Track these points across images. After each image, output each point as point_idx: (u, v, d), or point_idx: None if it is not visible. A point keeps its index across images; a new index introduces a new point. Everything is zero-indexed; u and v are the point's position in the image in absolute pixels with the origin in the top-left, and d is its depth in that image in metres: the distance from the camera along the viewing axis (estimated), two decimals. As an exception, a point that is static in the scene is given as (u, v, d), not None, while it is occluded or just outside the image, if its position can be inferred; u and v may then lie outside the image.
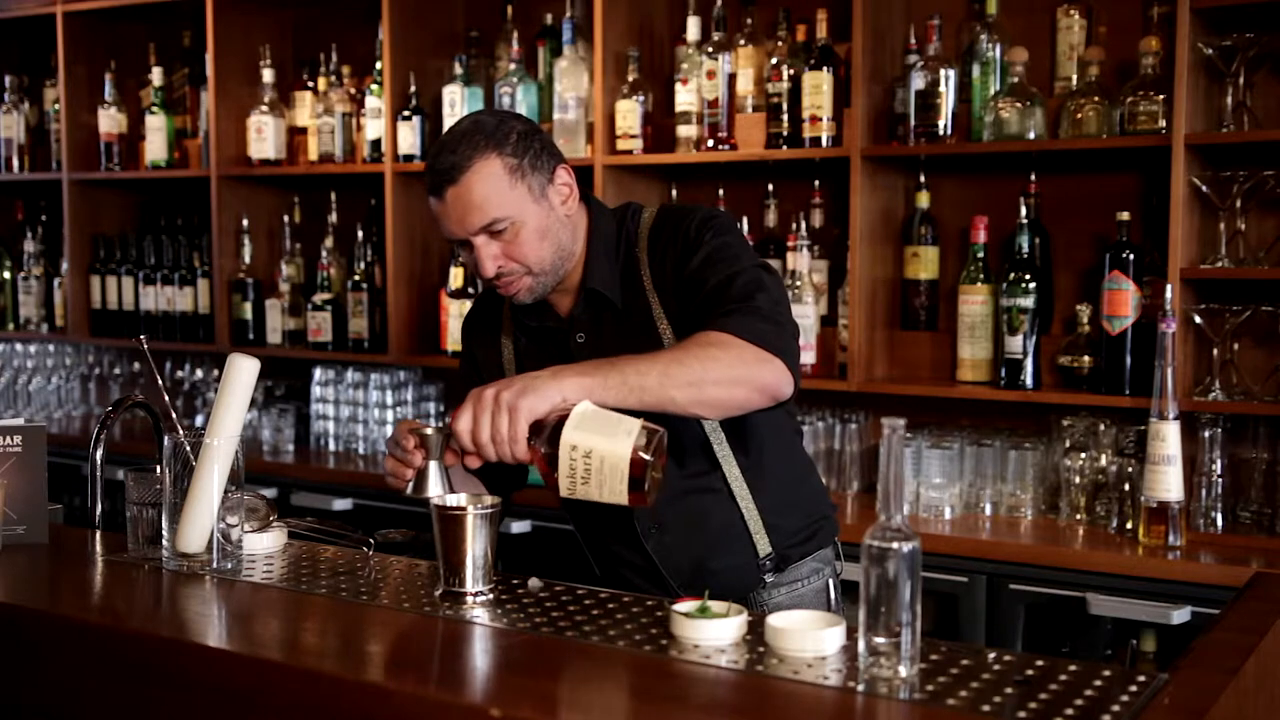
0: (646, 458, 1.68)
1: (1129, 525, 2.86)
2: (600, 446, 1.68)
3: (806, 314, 3.26)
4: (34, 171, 4.73)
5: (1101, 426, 2.98)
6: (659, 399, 1.78)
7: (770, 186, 3.53)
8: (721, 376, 1.81)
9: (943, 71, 3.10)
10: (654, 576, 2.09)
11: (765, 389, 1.86)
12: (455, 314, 3.73)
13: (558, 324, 2.09)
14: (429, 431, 1.83)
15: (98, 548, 2.09)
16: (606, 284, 2.04)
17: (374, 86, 3.89)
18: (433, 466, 1.84)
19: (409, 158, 3.81)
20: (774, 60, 3.34)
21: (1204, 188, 2.84)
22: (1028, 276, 3.04)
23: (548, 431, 1.71)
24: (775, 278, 1.99)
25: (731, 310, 1.88)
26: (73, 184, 4.55)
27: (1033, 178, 3.15)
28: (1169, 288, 2.76)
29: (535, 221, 1.95)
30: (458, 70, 3.78)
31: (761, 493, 2.07)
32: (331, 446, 4.03)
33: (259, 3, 4.27)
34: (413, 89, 3.82)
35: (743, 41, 3.43)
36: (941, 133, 3.11)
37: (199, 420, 4.20)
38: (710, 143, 3.40)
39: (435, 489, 1.83)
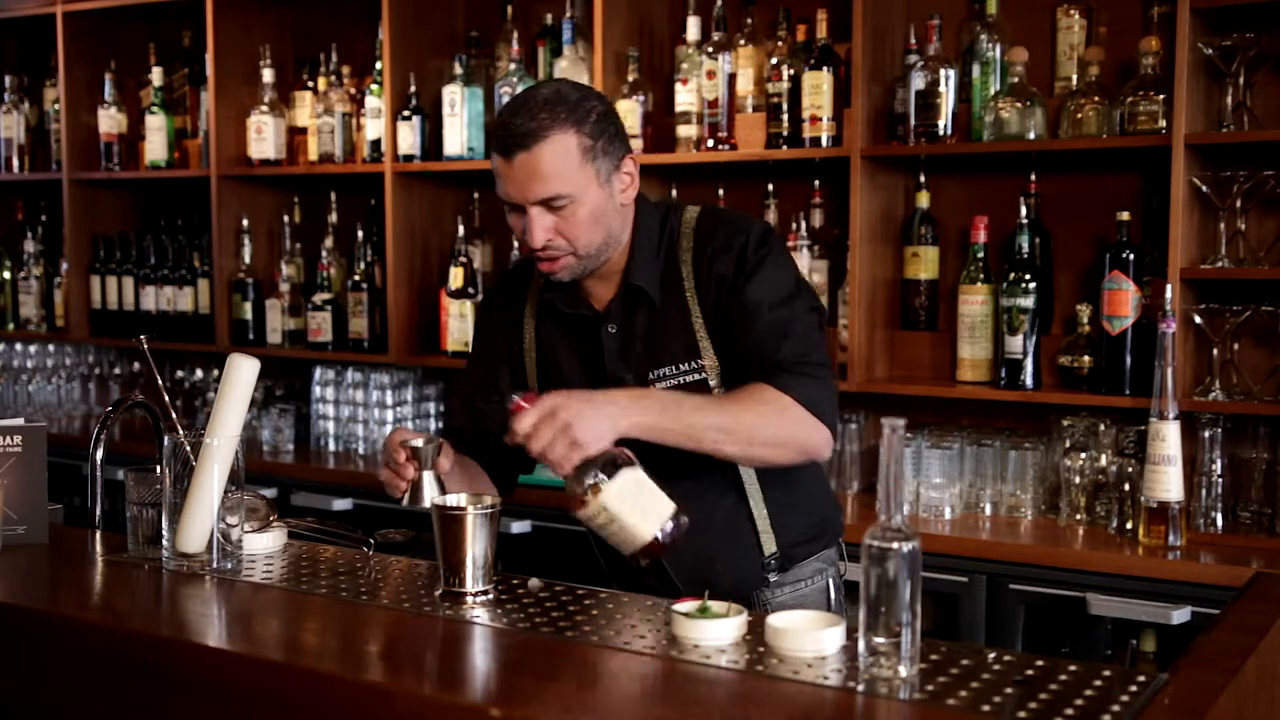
0: (664, 543, 1.75)
1: (1129, 525, 2.86)
2: (629, 522, 1.74)
3: (806, 314, 3.26)
4: (34, 171, 4.73)
5: (1101, 426, 2.98)
6: (712, 451, 1.87)
7: (770, 186, 3.53)
8: (772, 438, 1.90)
9: (943, 71, 3.10)
10: (659, 573, 2.09)
11: (808, 454, 1.96)
12: (455, 314, 3.74)
13: (591, 313, 2.09)
14: (419, 444, 1.87)
15: (98, 548, 2.09)
16: (648, 280, 2.04)
17: (374, 86, 3.89)
18: (427, 476, 1.87)
19: (409, 158, 3.81)
20: (774, 60, 3.33)
21: (1204, 188, 2.84)
22: (1028, 276, 3.04)
23: (590, 470, 1.74)
24: (821, 315, 2.04)
25: (792, 368, 1.93)
26: (73, 184, 4.55)
27: (1033, 178, 3.15)
28: (1169, 288, 2.76)
29: (594, 204, 1.95)
30: (458, 70, 3.77)
31: (769, 492, 2.08)
32: (331, 446, 4.03)
33: (259, 3, 4.27)
34: (413, 89, 3.82)
35: (743, 41, 3.43)
36: (941, 133, 3.11)
37: (199, 420, 4.20)
38: (710, 143, 3.40)
39: (430, 499, 1.85)
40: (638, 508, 1.74)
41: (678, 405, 1.86)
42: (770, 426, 1.89)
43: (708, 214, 2.09)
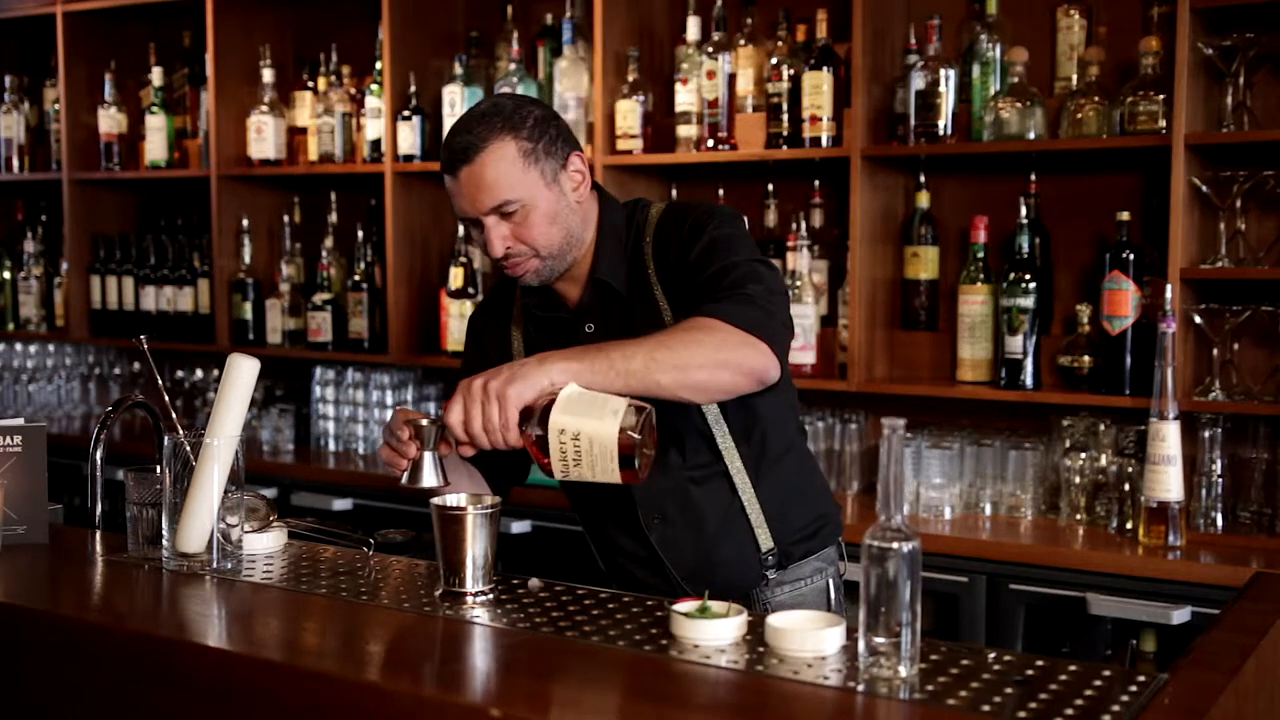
0: (635, 436, 1.70)
1: (1129, 525, 2.86)
2: (588, 428, 1.71)
3: (806, 314, 3.26)
4: (34, 171, 4.73)
5: (1101, 426, 2.98)
6: (645, 383, 1.80)
7: (770, 186, 3.53)
8: (706, 360, 1.84)
9: (943, 71, 3.10)
10: (657, 568, 2.09)
11: (751, 373, 1.88)
12: (455, 314, 3.74)
13: (568, 314, 2.10)
14: (424, 423, 1.85)
15: (98, 548, 2.09)
16: (614, 274, 2.05)
17: (374, 86, 3.89)
18: (428, 457, 1.86)
19: (409, 158, 3.81)
20: (774, 60, 3.34)
21: (1204, 188, 2.84)
22: (1028, 276, 3.04)
23: (537, 416, 1.74)
24: (774, 271, 2.00)
25: (721, 297, 1.91)
26: (73, 184, 4.55)
27: (1033, 178, 3.15)
28: (1169, 288, 2.76)
29: (546, 205, 1.97)
30: (458, 70, 3.78)
31: (763, 486, 2.08)
32: (331, 446, 4.03)
33: (259, 3, 4.27)
34: (413, 89, 3.82)
35: (743, 41, 3.43)
36: (941, 133, 3.11)
37: (199, 420, 4.20)
38: (710, 143, 3.40)
39: (430, 479, 1.85)
40: (591, 411, 1.72)
41: (598, 346, 1.84)
42: (701, 348, 1.83)
43: (671, 207, 2.11)
